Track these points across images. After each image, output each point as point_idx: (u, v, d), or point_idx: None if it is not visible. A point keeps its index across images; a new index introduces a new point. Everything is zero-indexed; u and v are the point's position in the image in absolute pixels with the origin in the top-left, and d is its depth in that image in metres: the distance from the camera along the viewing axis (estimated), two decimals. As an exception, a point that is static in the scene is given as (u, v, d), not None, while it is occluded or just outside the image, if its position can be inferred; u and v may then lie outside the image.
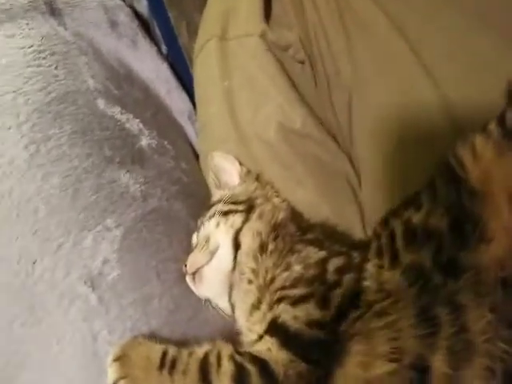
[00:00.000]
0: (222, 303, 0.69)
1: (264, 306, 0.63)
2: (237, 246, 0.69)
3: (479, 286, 0.56)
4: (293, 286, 0.63)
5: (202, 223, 0.73)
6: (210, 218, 0.72)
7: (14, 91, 0.66)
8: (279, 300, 0.62)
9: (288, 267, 0.64)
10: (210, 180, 0.79)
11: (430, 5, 0.78)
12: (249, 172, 0.78)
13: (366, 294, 0.61)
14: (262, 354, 0.59)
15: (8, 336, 0.58)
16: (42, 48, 0.71)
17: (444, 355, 0.55)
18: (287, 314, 0.60)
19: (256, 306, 0.64)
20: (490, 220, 0.60)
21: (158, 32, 0.94)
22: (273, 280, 0.64)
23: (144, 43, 0.87)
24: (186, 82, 0.94)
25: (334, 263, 0.64)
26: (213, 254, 0.69)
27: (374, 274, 0.64)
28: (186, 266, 0.69)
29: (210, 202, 0.77)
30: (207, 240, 0.70)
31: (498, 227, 0.59)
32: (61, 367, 0.58)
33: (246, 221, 0.71)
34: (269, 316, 0.61)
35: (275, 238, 0.69)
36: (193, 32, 0.87)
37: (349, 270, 0.64)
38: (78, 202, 0.64)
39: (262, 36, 0.76)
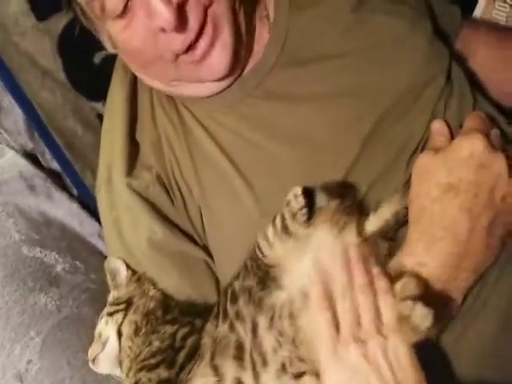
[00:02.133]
0: (118, 373, 0.86)
1: (131, 374, 0.80)
2: (120, 335, 0.85)
3: None
4: (151, 356, 0.79)
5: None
6: (101, 318, 0.87)
7: None
8: (141, 368, 0.79)
9: (150, 343, 0.81)
10: (109, 282, 0.92)
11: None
12: (132, 275, 0.92)
13: (202, 348, 0.78)
14: None
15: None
16: None
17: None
18: (144, 378, 0.77)
19: (127, 374, 0.80)
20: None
21: (68, 181, 1.18)
22: (139, 354, 0.81)
23: (57, 194, 1.13)
24: (94, 211, 1.13)
25: (182, 332, 0.81)
26: (104, 344, 0.85)
27: (210, 331, 0.79)
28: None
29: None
30: (100, 335, 0.86)
31: None
32: None
33: (125, 316, 0.86)
34: (133, 380, 0.78)
35: (146, 324, 0.85)
36: (94, 175, 1.04)
37: (191, 334, 0.80)
38: (9, 325, 0.87)
39: (128, 185, 0.93)
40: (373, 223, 0.82)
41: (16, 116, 1.11)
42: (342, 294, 0.73)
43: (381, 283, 0.72)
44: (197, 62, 0.85)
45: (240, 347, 0.77)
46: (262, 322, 0.77)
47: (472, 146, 0.80)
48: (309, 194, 0.79)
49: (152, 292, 0.90)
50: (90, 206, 1.19)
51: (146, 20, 0.79)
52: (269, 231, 0.80)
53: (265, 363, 0.76)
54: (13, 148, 1.12)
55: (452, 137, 0.86)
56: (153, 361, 0.79)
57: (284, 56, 0.93)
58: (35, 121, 1.11)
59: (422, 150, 0.88)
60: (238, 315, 0.79)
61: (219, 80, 0.90)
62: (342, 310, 0.72)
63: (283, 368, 0.75)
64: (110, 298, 0.92)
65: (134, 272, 0.94)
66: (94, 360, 0.85)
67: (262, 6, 0.96)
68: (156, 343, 0.81)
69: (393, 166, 0.89)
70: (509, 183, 0.79)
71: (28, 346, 0.88)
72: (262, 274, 0.80)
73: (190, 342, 0.81)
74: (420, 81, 0.91)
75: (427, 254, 0.78)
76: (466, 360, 0.83)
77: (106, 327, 0.86)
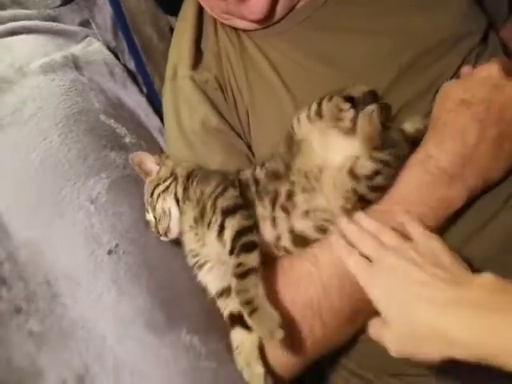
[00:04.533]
0: (185, 233, 0.98)
1: (209, 212, 0.91)
2: (177, 201, 0.99)
3: None
4: (217, 187, 0.93)
5: (150, 204, 1.01)
6: (157, 199, 1.00)
7: (54, 107, 1.06)
8: (215, 198, 0.91)
9: (208, 183, 0.95)
10: (139, 172, 1.07)
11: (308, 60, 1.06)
12: (160, 157, 1.08)
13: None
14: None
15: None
16: (69, 86, 1.12)
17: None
18: (223, 202, 0.90)
19: (202, 216, 0.93)
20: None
21: (140, 80, 1.35)
22: (202, 194, 0.94)
23: (131, 86, 1.30)
24: (158, 110, 1.30)
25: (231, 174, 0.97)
26: (169, 215, 0.99)
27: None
28: (157, 232, 0.99)
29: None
30: (163, 211, 0.99)
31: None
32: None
33: (176, 184, 1.01)
34: (216, 213, 0.90)
35: (193, 180, 0.99)
36: (162, 80, 1.24)
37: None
38: (85, 163, 1.02)
39: (191, 77, 1.10)
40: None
41: (106, 14, 1.30)
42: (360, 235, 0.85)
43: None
44: (240, 1, 1.04)
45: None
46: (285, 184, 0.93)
47: (489, 70, 0.92)
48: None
49: (184, 163, 1.07)
50: (154, 105, 1.36)
51: None
52: (302, 113, 0.94)
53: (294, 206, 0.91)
54: (99, 41, 1.31)
55: None
56: (220, 188, 0.94)
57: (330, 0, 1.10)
58: (121, 20, 1.29)
59: None
60: (272, 171, 0.96)
61: (260, 21, 1.07)
62: (363, 242, 0.84)
63: (308, 213, 0.91)
64: (148, 182, 1.06)
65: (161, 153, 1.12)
66: (165, 233, 1.00)
67: None
68: (213, 181, 0.96)
69: (422, 95, 1.01)
70: None
71: (99, 182, 1.03)
72: (290, 141, 0.96)
73: (240, 176, 0.98)
74: (457, 32, 1.03)
75: (436, 148, 0.89)
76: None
77: (165, 202, 1.01)
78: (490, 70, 0.91)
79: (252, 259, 0.84)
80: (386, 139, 0.87)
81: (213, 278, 0.95)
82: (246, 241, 0.86)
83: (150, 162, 1.07)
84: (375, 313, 0.80)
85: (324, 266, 0.88)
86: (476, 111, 0.88)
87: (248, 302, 0.81)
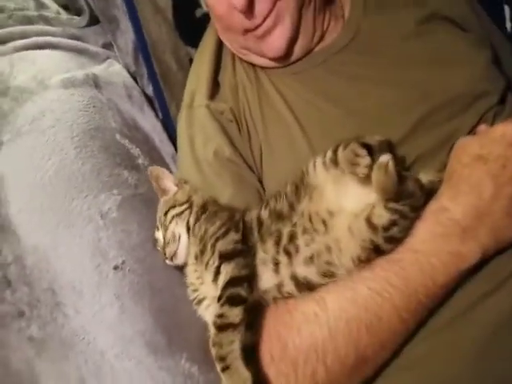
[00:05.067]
0: (188, 265, 0.98)
1: (208, 251, 0.91)
2: (188, 228, 0.98)
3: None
4: (219, 228, 0.92)
5: (163, 225, 0.99)
6: (170, 222, 0.99)
7: (71, 121, 1.08)
8: (216, 240, 0.91)
9: (213, 222, 0.94)
10: (155, 188, 1.06)
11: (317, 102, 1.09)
12: (179, 179, 1.07)
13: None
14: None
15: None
16: (88, 102, 1.14)
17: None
18: (222, 246, 0.89)
19: (203, 253, 0.92)
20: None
21: (157, 105, 1.37)
22: (205, 232, 0.94)
23: (147, 110, 1.32)
24: (172, 136, 1.31)
25: (237, 215, 0.96)
26: (178, 240, 0.97)
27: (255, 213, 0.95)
28: (164, 253, 0.97)
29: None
30: (173, 235, 0.97)
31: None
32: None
33: (190, 212, 1.00)
34: (215, 254, 0.89)
35: (204, 212, 0.99)
36: (178, 108, 1.25)
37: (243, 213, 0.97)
38: (99, 178, 1.03)
39: (207, 106, 1.11)
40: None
41: (128, 38, 1.34)
42: None
43: None
44: (260, 38, 1.07)
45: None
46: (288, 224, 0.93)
47: (505, 128, 0.93)
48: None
49: (200, 193, 1.05)
50: (169, 131, 1.38)
51: None
52: (318, 159, 0.94)
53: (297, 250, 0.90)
54: (120, 63, 1.34)
55: None
56: (222, 230, 0.93)
57: (351, 45, 1.14)
58: (142, 46, 1.32)
59: None
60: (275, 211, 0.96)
61: (278, 59, 1.10)
62: None
63: (311, 258, 0.90)
64: (163, 203, 1.05)
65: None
66: (171, 257, 0.98)
67: (339, 6, 1.19)
68: (218, 221, 0.96)
69: (435, 151, 1.02)
70: None
71: (110, 198, 1.05)
72: (299, 183, 0.96)
73: (246, 217, 0.97)
74: (474, 91, 1.05)
75: (450, 201, 0.90)
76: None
77: (177, 226, 1.00)
78: (507, 129, 0.92)
79: (234, 314, 0.82)
80: (402, 190, 0.87)
81: (211, 316, 0.91)
82: (233, 293, 0.84)
83: (168, 181, 1.07)
84: (382, 365, 0.81)
85: (331, 310, 0.86)
86: (492, 167, 0.89)
87: (221, 358, 0.80)
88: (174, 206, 1.02)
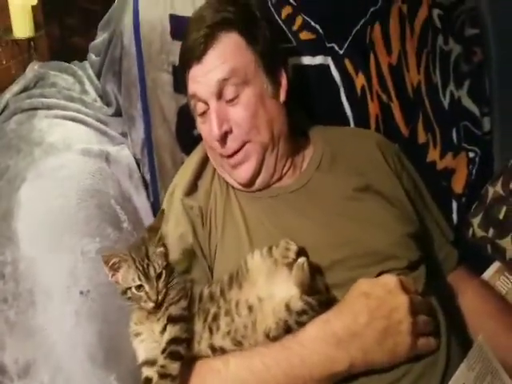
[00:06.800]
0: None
1: (161, 317, 1.03)
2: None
3: None
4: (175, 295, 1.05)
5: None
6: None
7: (81, 179, 1.34)
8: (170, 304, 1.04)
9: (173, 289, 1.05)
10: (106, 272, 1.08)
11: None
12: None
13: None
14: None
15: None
16: (96, 170, 1.39)
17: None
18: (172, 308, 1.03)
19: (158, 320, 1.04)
20: None
21: (150, 190, 1.60)
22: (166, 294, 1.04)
23: (142, 191, 1.53)
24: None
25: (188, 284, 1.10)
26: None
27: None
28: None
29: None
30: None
31: None
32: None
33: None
34: (165, 318, 1.03)
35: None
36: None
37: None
38: (88, 226, 1.29)
39: (181, 200, 1.31)
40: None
41: (139, 134, 1.63)
42: None
43: None
44: (232, 166, 1.36)
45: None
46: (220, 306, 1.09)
47: (389, 279, 1.10)
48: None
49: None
50: (155, 212, 1.60)
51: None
52: (256, 251, 1.14)
53: (218, 328, 1.07)
54: (129, 150, 1.66)
55: None
56: (176, 298, 1.06)
57: (301, 190, 1.38)
58: (148, 143, 1.63)
59: None
60: (210, 293, 1.12)
61: (243, 186, 1.38)
62: None
63: (228, 333, 1.07)
64: None
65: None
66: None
67: (301, 159, 1.46)
68: (177, 287, 1.08)
69: (341, 286, 1.16)
70: (406, 314, 1.05)
71: (92, 243, 1.28)
72: (234, 275, 1.12)
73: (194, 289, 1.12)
74: (384, 252, 1.21)
75: (335, 317, 1.06)
76: None
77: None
78: (390, 280, 1.10)
79: (173, 368, 0.96)
80: (313, 285, 1.08)
81: (143, 349, 1.05)
82: (174, 349, 0.98)
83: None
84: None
85: (232, 371, 1.04)
86: (371, 303, 1.06)
87: None
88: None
